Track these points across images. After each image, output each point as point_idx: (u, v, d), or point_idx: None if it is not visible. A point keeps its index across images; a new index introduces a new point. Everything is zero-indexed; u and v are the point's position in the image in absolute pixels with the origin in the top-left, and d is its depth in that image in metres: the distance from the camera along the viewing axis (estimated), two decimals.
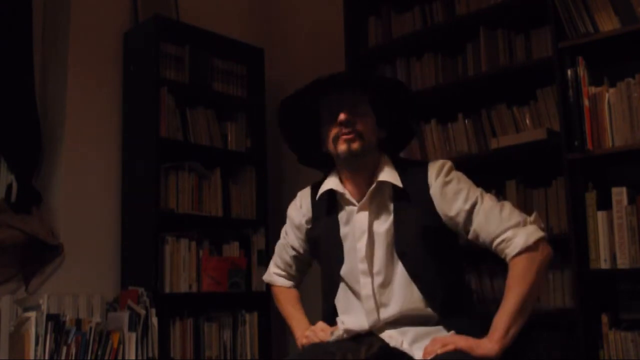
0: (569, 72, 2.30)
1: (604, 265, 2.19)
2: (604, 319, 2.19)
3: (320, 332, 1.72)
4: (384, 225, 1.68)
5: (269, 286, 2.03)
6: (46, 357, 2.36)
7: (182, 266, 2.91)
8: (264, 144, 3.32)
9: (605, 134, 2.25)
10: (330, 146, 1.71)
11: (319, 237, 1.80)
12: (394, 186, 1.68)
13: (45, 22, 2.96)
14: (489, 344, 1.47)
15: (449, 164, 1.73)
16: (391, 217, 1.67)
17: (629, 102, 2.22)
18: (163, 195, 2.90)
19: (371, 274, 1.66)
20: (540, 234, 1.56)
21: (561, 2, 2.36)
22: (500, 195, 2.63)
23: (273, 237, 3.28)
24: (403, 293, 1.64)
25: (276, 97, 3.52)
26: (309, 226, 1.85)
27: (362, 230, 1.68)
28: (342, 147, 1.66)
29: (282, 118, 1.80)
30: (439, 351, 1.47)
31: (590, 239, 2.23)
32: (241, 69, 3.34)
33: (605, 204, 2.22)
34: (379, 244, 1.67)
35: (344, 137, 1.65)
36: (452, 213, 1.64)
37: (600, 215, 2.21)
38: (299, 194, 1.91)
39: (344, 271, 1.72)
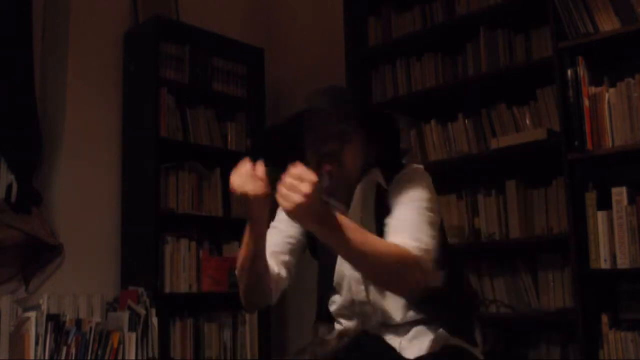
0: (569, 72, 2.30)
1: (604, 265, 2.19)
2: (604, 319, 2.19)
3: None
4: (371, 228, 1.56)
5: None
6: (46, 357, 2.36)
7: (182, 266, 2.90)
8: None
9: (605, 134, 2.25)
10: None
11: (313, 239, 1.68)
12: (378, 188, 1.61)
13: (45, 22, 2.95)
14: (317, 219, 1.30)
15: (414, 170, 1.61)
16: (374, 221, 1.59)
17: (629, 102, 2.22)
18: (163, 195, 2.90)
19: (364, 281, 1.59)
20: (423, 259, 1.38)
21: (561, 2, 2.36)
22: (501, 195, 2.63)
23: None
24: (397, 300, 1.58)
25: (276, 97, 3.53)
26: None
27: None
28: (325, 183, 1.51)
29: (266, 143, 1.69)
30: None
31: (590, 239, 2.23)
32: (241, 69, 3.34)
33: (605, 204, 2.22)
34: None
35: (326, 168, 1.53)
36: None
37: (600, 215, 2.21)
38: None
39: (336, 278, 1.64)
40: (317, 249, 1.76)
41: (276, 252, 1.67)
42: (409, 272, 1.37)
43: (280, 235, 1.71)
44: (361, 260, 1.36)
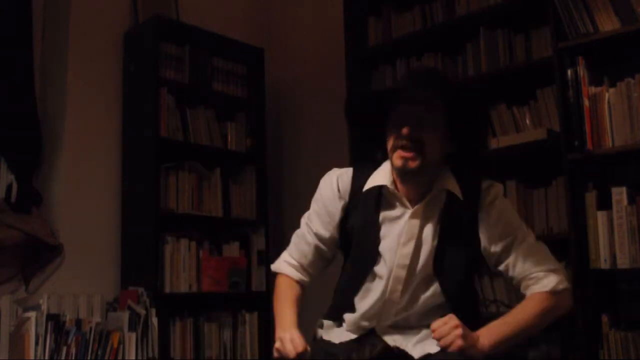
0: (569, 72, 2.30)
1: (604, 265, 2.19)
2: (604, 319, 2.19)
3: (289, 344, 1.64)
4: (430, 233, 1.60)
5: (275, 276, 1.81)
6: (46, 357, 2.36)
7: (182, 266, 2.91)
8: (264, 144, 3.31)
9: (605, 134, 2.25)
10: (389, 153, 1.61)
11: (353, 229, 1.66)
12: (448, 196, 1.61)
13: (45, 22, 2.95)
14: (483, 346, 1.48)
15: (501, 190, 1.69)
16: (438, 228, 1.60)
17: (629, 102, 2.22)
18: (163, 195, 2.90)
19: (406, 283, 1.59)
20: (568, 285, 1.58)
21: (561, 2, 2.36)
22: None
23: (273, 237, 3.29)
24: (427, 304, 1.60)
25: (276, 97, 3.53)
26: (343, 214, 1.68)
27: (411, 236, 1.59)
28: (397, 162, 1.56)
29: (351, 107, 1.70)
30: (441, 343, 1.45)
31: (590, 239, 2.23)
32: (241, 69, 3.34)
33: (605, 204, 2.22)
34: (423, 253, 1.60)
35: (401, 152, 1.55)
36: (491, 241, 1.61)
37: (600, 215, 2.21)
38: (335, 175, 1.72)
39: (378, 268, 1.63)
40: (348, 245, 1.71)
41: (303, 265, 1.74)
42: (565, 306, 1.58)
43: (305, 239, 1.74)
44: (530, 332, 1.58)
